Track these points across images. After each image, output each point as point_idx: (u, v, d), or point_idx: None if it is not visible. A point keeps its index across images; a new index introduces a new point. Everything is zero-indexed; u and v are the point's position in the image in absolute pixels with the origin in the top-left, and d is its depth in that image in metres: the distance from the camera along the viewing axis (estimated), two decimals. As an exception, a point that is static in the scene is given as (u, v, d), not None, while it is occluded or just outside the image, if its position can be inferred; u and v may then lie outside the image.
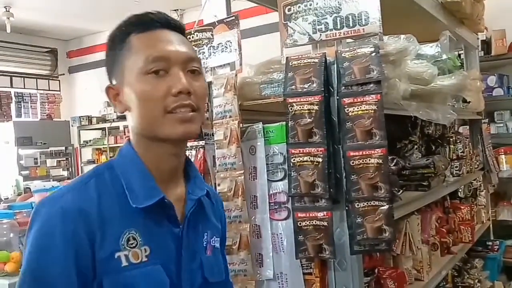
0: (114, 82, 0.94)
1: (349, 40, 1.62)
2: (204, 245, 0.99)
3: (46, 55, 8.31)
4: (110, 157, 7.41)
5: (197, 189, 0.99)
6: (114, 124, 7.25)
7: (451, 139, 3.01)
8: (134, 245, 0.84)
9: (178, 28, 0.97)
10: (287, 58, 1.54)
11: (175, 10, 6.89)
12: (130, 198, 0.86)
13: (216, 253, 1.04)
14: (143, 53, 0.88)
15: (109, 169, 0.91)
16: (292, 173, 1.49)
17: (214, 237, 1.03)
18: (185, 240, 0.93)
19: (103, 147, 7.53)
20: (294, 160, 1.49)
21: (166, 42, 0.91)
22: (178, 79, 0.88)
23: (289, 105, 1.49)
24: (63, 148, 7.92)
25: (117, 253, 0.83)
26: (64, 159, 7.97)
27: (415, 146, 2.50)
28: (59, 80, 8.34)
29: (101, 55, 6.36)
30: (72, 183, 0.91)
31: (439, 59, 2.17)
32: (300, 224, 1.49)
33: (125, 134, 7.24)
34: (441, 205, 2.90)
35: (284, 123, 1.61)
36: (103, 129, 7.41)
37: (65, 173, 7.84)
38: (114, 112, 7.14)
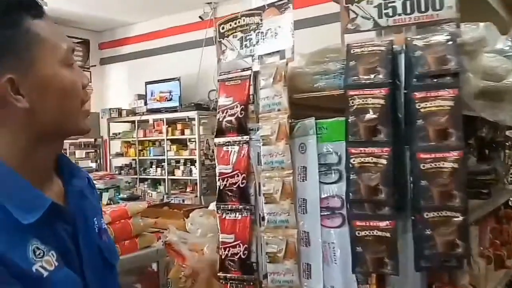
0: (8, 74, 0.80)
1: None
2: (97, 231, 0.98)
3: (78, 46, 8.32)
4: (139, 150, 7.38)
5: (77, 181, 0.96)
6: (143, 118, 7.19)
7: (507, 144, 2.77)
8: (41, 254, 0.80)
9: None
10: (348, 45, 1.36)
11: (208, 3, 6.76)
12: (18, 216, 0.78)
13: (107, 235, 1.03)
14: (57, 42, 0.83)
15: None
16: (351, 175, 1.31)
17: (101, 219, 1.02)
18: (80, 233, 0.90)
19: (132, 140, 7.47)
20: (354, 161, 1.31)
21: (62, 31, 0.88)
22: (81, 71, 0.88)
23: (350, 98, 1.31)
24: (92, 139, 7.92)
25: (34, 266, 0.78)
26: (93, 150, 7.98)
27: (471, 150, 2.29)
28: (90, 71, 8.34)
29: (133, 48, 6.28)
30: None
31: (509, 54, 1.95)
32: (358, 234, 1.32)
33: (154, 128, 7.18)
34: (495, 215, 2.67)
35: (340, 118, 1.44)
36: (132, 122, 7.37)
37: (94, 165, 7.83)
38: (145, 105, 7.08)
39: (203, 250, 2.54)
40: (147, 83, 7.06)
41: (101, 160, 8.00)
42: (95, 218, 0.99)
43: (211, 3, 6.75)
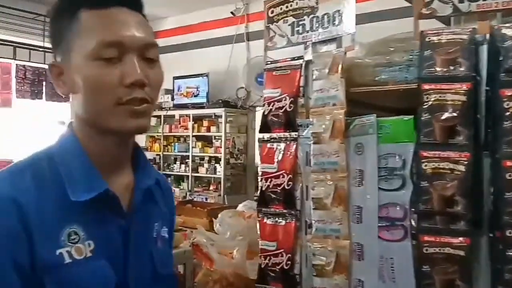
0: (58, 59, 0.84)
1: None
2: (155, 236, 0.93)
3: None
4: (164, 145, 7.29)
5: (145, 178, 0.91)
6: (170, 113, 7.08)
7: None
8: (76, 240, 0.78)
9: (137, 4, 0.86)
10: (422, 33, 1.18)
11: (241, -1, 6.62)
12: (69, 191, 0.79)
13: (166, 244, 0.98)
14: (94, 35, 0.79)
15: (48, 158, 0.83)
16: (421, 182, 1.14)
17: (164, 227, 0.97)
18: (133, 232, 0.86)
19: (157, 135, 7.37)
20: (426, 165, 1.13)
21: (122, 24, 0.80)
22: (133, 69, 0.79)
23: (424, 93, 1.13)
24: (118, 133, 7.88)
25: (59, 249, 0.76)
26: (118, 144, 7.93)
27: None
28: (118, 65, 8.31)
29: (162, 42, 6.17)
30: (7, 169, 0.81)
31: None
32: (426, 250, 1.14)
33: (179, 123, 7.08)
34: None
35: (406, 117, 1.26)
36: (158, 116, 7.25)
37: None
38: (172, 100, 6.97)
39: (232, 254, 2.39)
40: (174, 78, 6.95)
41: (125, 154, 7.95)
42: (157, 223, 0.94)
43: (244, -1, 6.61)
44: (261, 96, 6.08)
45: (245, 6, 6.56)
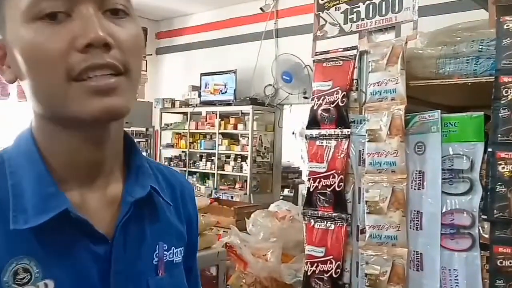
0: None
1: None
2: (155, 263, 0.67)
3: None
4: (190, 142, 7.26)
5: (136, 187, 0.66)
6: (196, 110, 7.03)
7: None
8: (26, 280, 0.56)
9: None
10: (499, 19, 1.05)
11: (270, -5, 6.51)
12: (12, 214, 0.57)
13: (175, 271, 0.71)
14: None
15: (1, 165, 0.62)
16: (497, 187, 1.01)
17: (173, 248, 0.71)
18: (117, 262, 0.62)
19: (183, 132, 7.33)
20: (502, 168, 1.00)
21: None
22: (88, 24, 0.55)
23: (503, 87, 1.01)
24: (144, 129, 7.85)
25: None
26: (144, 140, 7.90)
27: None
28: (146, 60, 8.29)
29: (190, 38, 6.13)
30: None
31: None
32: (501, 263, 1.01)
33: (206, 120, 7.02)
34: None
35: (475, 113, 1.14)
36: (185, 113, 7.21)
37: (144, 155, 7.76)
38: (199, 97, 6.92)
39: (266, 256, 2.29)
40: (202, 74, 6.90)
41: (151, 150, 7.92)
42: (158, 245, 0.68)
43: (273, -6, 6.50)
44: (290, 93, 5.99)
45: (274, 2, 6.44)
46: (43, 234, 0.58)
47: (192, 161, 7.20)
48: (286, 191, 6.48)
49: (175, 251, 0.71)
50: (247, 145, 6.33)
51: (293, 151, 5.97)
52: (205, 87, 6.94)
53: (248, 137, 6.32)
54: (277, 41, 6.37)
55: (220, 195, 6.29)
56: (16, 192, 0.59)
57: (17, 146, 0.64)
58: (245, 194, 6.33)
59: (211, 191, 6.58)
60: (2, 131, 5.84)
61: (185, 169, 7.16)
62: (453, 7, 4.15)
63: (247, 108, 6.28)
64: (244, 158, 6.45)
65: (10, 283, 0.56)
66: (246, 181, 6.39)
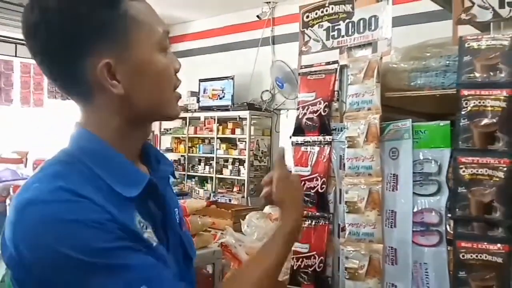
0: (105, 59, 0.74)
1: None
2: (178, 221, 0.92)
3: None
4: (189, 147, 7.38)
5: (164, 166, 0.91)
6: (195, 115, 7.16)
7: None
8: (145, 228, 0.77)
9: None
10: (461, 38, 1.18)
11: (267, 2, 6.64)
12: (119, 189, 0.76)
13: (186, 228, 0.99)
14: (154, 26, 0.79)
15: (79, 160, 0.77)
16: (459, 188, 1.13)
17: (181, 211, 0.97)
18: (169, 217, 0.87)
19: (182, 137, 7.45)
20: (464, 171, 1.13)
21: (157, 13, 0.82)
22: (174, 57, 0.84)
23: (463, 99, 1.13)
24: (144, 133, 7.99)
25: (143, 235, 0.75)
26: (144, 144, 8.04)
27: None
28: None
29: (189, 45, 6.23)
30: (53, 170, 0.75)
31: None
32: (463, 256, 1.13)
33: (204, 125, 7.14)
34: None
35: (442, 122, 1.26)
36: (184, 118, 7.33)
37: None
38: (197, 102, 7.05)
39: (259, 255, 2.41)
40: (200, 80, 7.02)
41: (151, 155, 8.05)
42: (176, 208, 0.93)
43: (270, 2, 6.62)
44: (286, 98, 6.09)
45: (271, 10, 6.58)
46: (134, 202, 0.76)
47: (191, 165, 7.32)
48: (283, 194, 6.59)
49: (181, 213, 0.96)
50: (245, 149, 6.45)
51: (290, 155, 6.10)
52: (204, 93, 7.07)
53: (245, 141, 6.45)
54: (274, 47, 6.51)
55: (218, 198, 6.40)
56: (111, 176, 0.76)
57: (87, 146, 0.79)
58: (243, 197, 6.45)
59: (210, 195, 6.69)
60: (6, 135, 5.99)
61: (184, 173, 7.27)
62: (425, 18, 4.31)
63: (245, 113, 6.40)
64: (241, 162, 6.58)
65: (140, 228, 0.75)
66: (243, 184, 6.51)
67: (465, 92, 1.12)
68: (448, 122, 1.25)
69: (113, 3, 0.74)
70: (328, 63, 1.47)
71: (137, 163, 0.86)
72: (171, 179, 0.97)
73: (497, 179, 1.09)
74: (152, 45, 0.78)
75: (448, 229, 1.23)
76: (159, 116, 0.85)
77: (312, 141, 1.46)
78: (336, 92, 1.46)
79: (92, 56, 0.73)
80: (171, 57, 0.82)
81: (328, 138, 1.43)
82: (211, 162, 6.97)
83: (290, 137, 1.53)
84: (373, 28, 1.39)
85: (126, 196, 0.75)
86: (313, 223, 1.44)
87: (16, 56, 6.26)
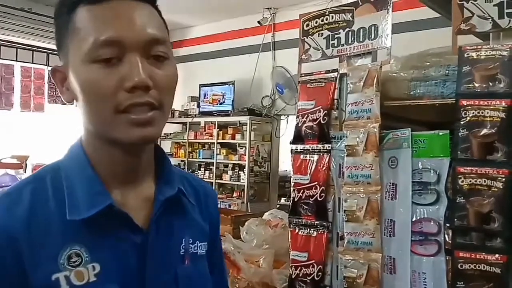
0: (61, 63, 0.74)
1: None
2: (182, 254, 0.80)
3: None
4: (189, 152, 7.38)
5: (166, 188, 0.79)
6: (195, 120, 7.16)
7: None
8: (78, 263, 0.69)
9: None
10: (461, 48, 1.18)
11: (268, 8, 6.66)
12: (68, 208, 0.70)
13: (199, 262, 0.83)
14: (90, 34, 0.68)
15: (54, 171, 0.75)
16: (458, 198, 1.13)
17: (197, 242, 0.83)
18: (152, 250, 0.75)
19: (182, 142, 7.45)
20: (462, 181, 1.13)
21: (122, 19, 0.69)
22: (134, 69, 0.68)
23: (462, 109, 1.13)
24: (144, 138, 7.98)
25: (55, 274, 0.67)
26: (144, 149, 8.04)
27: None
28: (146, 72, 8.44)
29: (190, 50, 6.24)
30: (7, 190, 0.74)
31: None
32: (461, 266, 1.13)
33: (205, 130, 7.15)
34: None
35: (442, 132, 1.26)
36: (184, 123, 7.33)
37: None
38: (198, 107, 7.05)
39: (258, 262, 2.40)
40: (201, 85, 7.03)
41: (151, 159, 8.04)
42: (184, 238, 0.80)
43: (271, 8, 6.65)
44: (287, 103, 6.10)
45: (272, 16, 6.60)
46: (92, 226, 0.70)
47: (190, 170, 7.30)
48: (283, 200, 6.59)
49: (199, 244, 0.83)
50: (245, 155, 6.44)
51: (290, 161, 6.10)
52: (204, 98, 7.07)
53: (245, 147, 6.44)
54: (274, 53, 6.52)
55: (218, 203, 6.40)
56: (70, 191, 0.71)
57: (69, 156, 0.77)
58: (243, 202, 6.43)
59: (209, 200, 6.67)
60: (6, 140, 5.99)
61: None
62: (424, 25, 4.31)
63: (245, 119, 6.41)
64: (241, 168, 6.57)
65: (65, 265, 0.68)
66: (243, 190, 6.50)
67: (464, 102, 1.13)
68: (447, 131, 1.26)
69: (70, 7, 0.71)
70: (328, 72, 1.47)
71: (131, 183, 0.77)
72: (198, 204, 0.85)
73: (496, 189, 1.08)
74: (81, 55, 0.68)
75: (447, 238, 1.23)
76: (105, 136, 0.72)
77: (312, 149, 1.46)
78: (335, 101, 1.46)
79: (59, 57, 0.74)
80: (120, 69, 0.68)
81: (327, 146, 1.44)
82: (211, 167, 6.96)
83: (291, 143, 1.53)
84: (373, 37, 1.39)
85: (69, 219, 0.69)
86: (312, 231, 1.44)
87: (16, 60, 6.27)
